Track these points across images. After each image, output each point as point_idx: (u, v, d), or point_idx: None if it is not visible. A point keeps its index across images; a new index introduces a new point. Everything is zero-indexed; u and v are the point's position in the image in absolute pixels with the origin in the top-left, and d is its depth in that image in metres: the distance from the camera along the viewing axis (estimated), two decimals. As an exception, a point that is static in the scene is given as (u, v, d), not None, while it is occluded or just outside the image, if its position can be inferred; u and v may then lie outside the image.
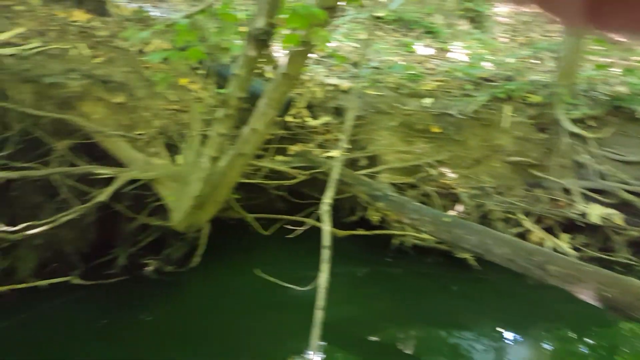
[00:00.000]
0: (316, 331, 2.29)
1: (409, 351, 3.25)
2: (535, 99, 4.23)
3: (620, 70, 4.75)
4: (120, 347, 2.92)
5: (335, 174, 2.67)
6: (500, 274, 3.74)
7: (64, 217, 3.17)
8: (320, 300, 2.33)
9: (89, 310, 3.21)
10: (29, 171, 3.23)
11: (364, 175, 3.70)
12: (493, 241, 3.01)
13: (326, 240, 2.48)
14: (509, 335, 3.38)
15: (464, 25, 5.67)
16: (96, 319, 3.09)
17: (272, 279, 2.62)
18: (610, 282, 2.50)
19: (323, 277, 2.40)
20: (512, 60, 4.75)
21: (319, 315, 2.30)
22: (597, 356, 3.28)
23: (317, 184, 4.06)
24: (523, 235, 3.66)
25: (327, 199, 2.63)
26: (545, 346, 3.41)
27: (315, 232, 3.46)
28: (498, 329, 3.39)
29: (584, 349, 3.35)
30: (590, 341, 3.36)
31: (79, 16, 3.91)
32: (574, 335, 3.41)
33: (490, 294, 3.64)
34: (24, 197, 3.41)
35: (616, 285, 2.47)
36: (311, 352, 2.24)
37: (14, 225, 3.07)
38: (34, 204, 3.41)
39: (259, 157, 3.73)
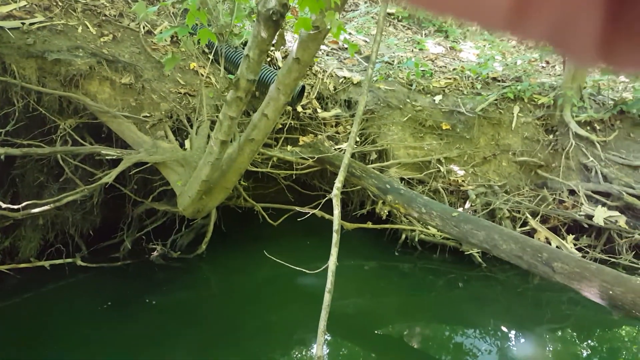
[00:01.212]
0: (324, 314, 2.25)
1: (414, 346, 3.24)
2: (543, 100, 4.26)
3: (625, 76, 4.81)
4: (123, 329, 2.85)
5: (346, 159, 2.63)
6: (507, 272, 3.77)
7: (68, 197, 3.08)
8: (329, 283, 2.29)
9: (93, 293, 3.13)
10: (32, 149, 3.13)
11: (374, 168, 3.66)
12: (500, 237, 3.01)
13: (336, 223, 2.46)
14: (512, 334, 3.39)
15: (475, 26, 5.68)
16: (100, 301, 3.02)
17: (280, 261, 2.57)
18: (615, 280, 2.50)
19: (332, 261, 2.37)
20: (521, 62, 4.77)
21: (327, 298, 2.26)
22: (599, 358, 3.30)
23: (327, 175, 4.03)
24: (529, 235, 3.65)
25: (338, 182, 2.60)
26: (548, 346, 3.42)
27: (323, 226, 3.44)
28: (503, 327, 3.39)
29: (586, 351, 3.37)
30: (593, 343, 3.39)
31: (86, -6, 3.81)
32: (577, 337, 3.42)
33: (496, 292, 3.64)
34: (27, 176, 3.30)
35: (620, 284, 2.47)
36: (319, 336, 2.19)
37: (16, 204, 2.97)
38: (37, 183, 3.31)
39: (268, 146, 3.68)
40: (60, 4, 3.56)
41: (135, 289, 3.23)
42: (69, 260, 3.25)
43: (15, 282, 3.13)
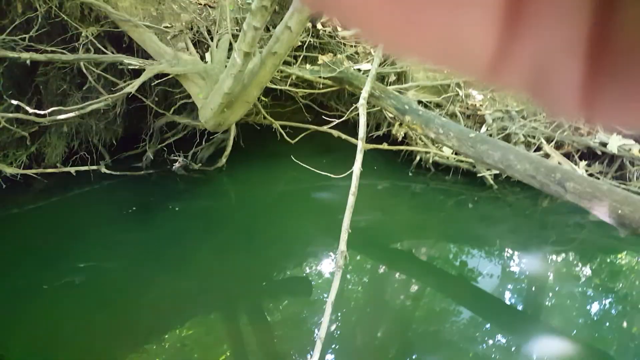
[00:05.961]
0: (348, 213, 2.36)
1: (422, 259, 3.40)
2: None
3: None
4: (147, 231, 3.01)
5: (373, 70, 2.66)
6: (517, 194, 3.86)
7: (92, 105, 3.13)
8: (354, 186, 2.39)
9: (117, 198, 3.28)
10: (56, 55, 3.15)
11: (392, 90, 3.66)
12: (515, 157, 3.04)
13: (362, 131, 2.56)
14: (517, 254, 3.52)
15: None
16: (124, 206, 3.16)
17: (306, 166, 2.66)
18: (625, 200, 2.55)
19: (357, 166, 2.46)
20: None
21: (351, 199, 2.36)
22: (596, 281, 3.44)
23: (344, 97, 4.04)
24: (542, 160, 3.72)
25: (365, 92, 2.66)
26: (550, 267, 3.56)
27: (339, 146, 3.49)
28: (508, 247, 3.52)
29: (586, 273, 3.50)
30: (594, 267, 3.51)
31: None
32: (580, 260, 3.55)
33: (505, 213, 3.75)
34: (50, 83, 3.34)
35: (630, 204, 2.52)
36: (343, 232, 2.31)
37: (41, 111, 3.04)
38: (61, 91, 3.35)
39: (287, 64, 3.66)
40: None
41: (158, 196, 3.37)
42: (94, 167, 3.36)
43: (42, 187, 3.25)
